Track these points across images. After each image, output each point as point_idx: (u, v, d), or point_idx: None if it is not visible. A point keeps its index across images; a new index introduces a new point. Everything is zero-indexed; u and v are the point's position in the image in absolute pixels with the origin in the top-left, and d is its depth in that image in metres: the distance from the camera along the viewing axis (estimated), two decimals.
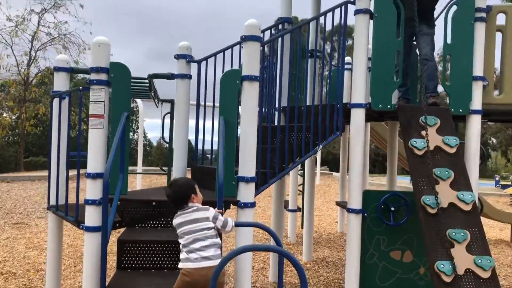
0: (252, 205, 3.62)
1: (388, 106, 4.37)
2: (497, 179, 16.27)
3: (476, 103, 4.43)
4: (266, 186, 4.00)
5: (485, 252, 3.61)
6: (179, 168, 4.42)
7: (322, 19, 4.78)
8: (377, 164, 32.33)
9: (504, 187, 15.16)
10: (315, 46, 5.11)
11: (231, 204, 3.59)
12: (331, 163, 27.78)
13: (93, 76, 3.56)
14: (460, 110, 4.42)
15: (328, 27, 4.86)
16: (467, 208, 3.79)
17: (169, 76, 4.47)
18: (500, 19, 4.68)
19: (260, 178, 3.94)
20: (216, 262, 2.68)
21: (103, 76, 3.55)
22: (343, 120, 4.55)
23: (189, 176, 4.13)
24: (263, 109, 4.95)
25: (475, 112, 4.44)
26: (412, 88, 5.03)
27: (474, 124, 4.46)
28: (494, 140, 45.07)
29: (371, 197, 4.58)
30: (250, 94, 3.65)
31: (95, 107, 3.55)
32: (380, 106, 4.36)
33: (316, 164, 19.40)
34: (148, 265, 3.57)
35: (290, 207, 7.44)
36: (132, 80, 3.90)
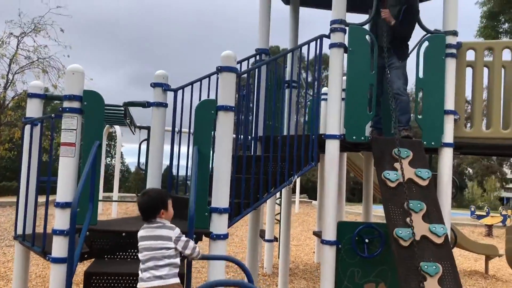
0: (225, 236, 3.58)
1: (362, 138, 4.42)
2: (472, 209, 16.46)
3: (448, 136, 4.52)
4: (240, 217, 3.96)
5: (457, 286, 3.62)
6: None
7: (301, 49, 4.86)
8: (356, 193, 32.55)
9: (479, 217, 15.34)
10: (291, 77, 5.17)
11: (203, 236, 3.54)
12: (311, 190, 27.82)
13: (66, 104, 3.52)
14: (432, 143, 4.50)
15: (308, 53, 4.92)
16: (439, 241, 3.81)
17: (145, 104, 4.46)
18: (470, 55, 4.84)
19: (234, 208, 3.91)
20: (169, 281, 2.62)
21: (76, 104, 3.51)
22: (319, 150, 4.58)
23: None
24: (240, 136, 4.95)
25: (447, 145, 4.52)
26: (385, 119, 5.10)
27: (446, 157, 4.54)
28: (471, 170, 45.98)
29: (345, 228, 4.57)
30: (225, 124, 3.66)
31: (66, 135, 3.50)
32: (354, 137, 4.41)
33: (295, 192, 19.42)
34: None
35: (266, 237, 7.37)
36: (107, 107, 3.88)
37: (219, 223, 3.57)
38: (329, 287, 4.30)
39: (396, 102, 4.66)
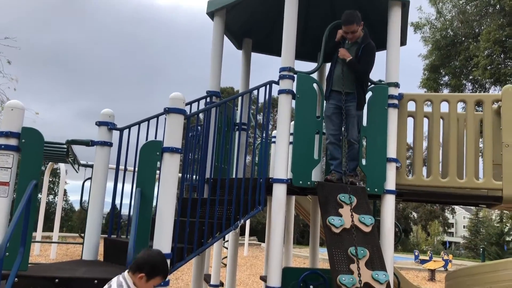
0: (166, 283, 3.43)
1: (308, 182, 4.47)
2: (416, 253, 16.90)
3: (390, 183, 4.65)
4: (183, 263, 3.83)
5: None
6: (92, 236, 4.17)
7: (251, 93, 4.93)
8: (305, 235, 32.60)
9: (423, 262, 15.75)
10: (240, 119, 5.22)
11: None
12: (260, 233, 27.63)
13: (1, 141, 3.35)
14: (376, 189, 4.62)
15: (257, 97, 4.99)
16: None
17: (89, 143, 4.33)
18: (411, 106, 5.08)
19: (177, 253, 3.78)
20: None
21: (13, 141, 3.36)
22: (266, 193, 4.58)
23: (101, 247, 3.88)
24: (186, 177, 4.88)
25: (389, 192, 4.65)
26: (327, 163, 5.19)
27: (389, 203, 4.65)
28: (415, 215, 47.48)
29: (290, 274, 4.54)
30: (170, 165, 3.59)
31: (0, 173, 3.31)
32: (300, 182, 4.46)
33: (244, 235, 19.21)
34: None
35: (212, 282, 7.16)
36: (49, 144, 3.73)
37: None
38: None
39: (349, 148, 4.78)
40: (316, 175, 5.82)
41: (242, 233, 22.63)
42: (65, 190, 31.64)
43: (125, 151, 4.48)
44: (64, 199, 32.92)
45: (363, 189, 4.55)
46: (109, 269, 3.62)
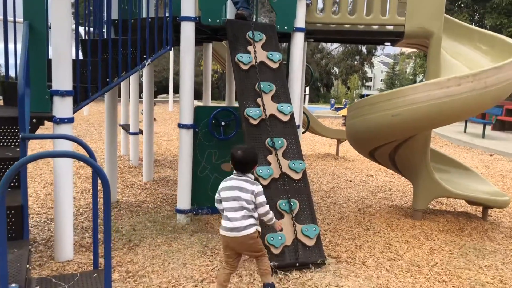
0: (70, 120, 3.40)
1: (217, 20, 4.35)
2: (332, 102, 17.97)
3: (300, 21, 4.65)
4: (88, 102, 3.76)
5: (299, 156, 3.98)
6: None
7: None
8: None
9: (338, 109, 16.82)
10: None
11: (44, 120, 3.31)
12: None
13: None
14: (285, 27, 4.61)
15: None
16: (286, 118, 4.08)
17: None
18: None
19: (81, 93, 3.69)
20: (251, 230, 2.87)
21: None
22: (173, 34, 4.43)
23: None
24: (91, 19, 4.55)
25: (299, 30, 4.66)
26: None
27: (298, 42, 4.70)
28: (337, 70, 49.26)
29: (202, 112, 4.66)
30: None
31: None
32: (209, 20, 4.32)
33: (168, 92, 19.15)
34: None
35: (131, 130, 7.26)
36: None
37: (62, 107, 3.35)
38: (186, 169, 4.45)
39: None
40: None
41: (166, 91, 22.53)
42: None
43: None
44: None
45: (272, 27, 4.53)
46: (8, 110, 3.47)
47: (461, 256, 4.08)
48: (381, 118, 4.30)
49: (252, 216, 2.90)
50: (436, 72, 4.67)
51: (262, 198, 2.91)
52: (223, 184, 2.96)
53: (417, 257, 4.01)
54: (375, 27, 4.91)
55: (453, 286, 3.47)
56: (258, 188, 2.91)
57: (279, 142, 3.90)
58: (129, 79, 7.56)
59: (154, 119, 7.80)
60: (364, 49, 44.31)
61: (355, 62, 47.16)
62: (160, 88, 26.51)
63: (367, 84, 64.63)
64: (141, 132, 7.36)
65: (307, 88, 18.93)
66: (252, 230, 2.88)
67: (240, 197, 2.87)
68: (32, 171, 6.41)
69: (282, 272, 3.45)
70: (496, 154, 10.26)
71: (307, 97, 18.86)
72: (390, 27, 4.88)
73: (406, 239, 4.43)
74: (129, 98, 7.57)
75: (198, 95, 8.15)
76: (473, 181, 5.42)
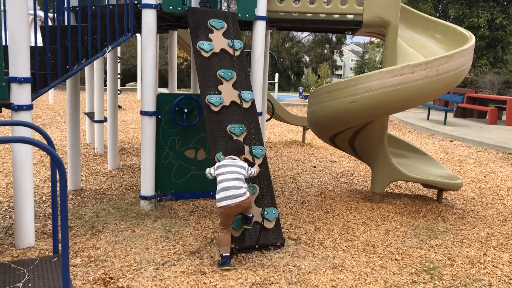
0: (28, 107, 3.39)
1: (179, 8, 4.38)
2: (300, 90, 18.13)
3: (261, 9, 4.71)
4: (47, 89, 3.75)
5: (259, 142, 4.08)
6: None
7: None
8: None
9: (306, 97, 16.99)
10: None
11: (2, 108, 3.30)
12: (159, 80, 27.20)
13: None
14: (247, 15, 4.68)
15: None
16: (247, 105, 4.16)
17: None
18: None
19: (40, 80, 3.67)
20: (248, 195, 3.46)
21: None
22: (135, 21, 4.43)
23: None
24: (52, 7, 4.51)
25: (260, 18, 4.73)
26: None
27: (259, 30, 4.77)
28: (307, 58, 49.51)
29: (165, 100, 4.70)
30: None
31: None
32: (170, 8, 4.35)
33: (137, 81, 18.90)
34: None
35: (96, 118, 7.20)
36: None
37: (20, 94, 3.34)
38: (149, 155, 4.50)
39: None
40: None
41: (135, 79, 22.23)
42: None
43: None
44: None
45: (234, 15, 4.59)
46: None
47: (414, 236, 4.29)
48: (339, 105, 4.45)
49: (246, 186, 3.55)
50: (392, 60, 4.83)
51: (251, 170, 3.64)
52: (224, 162, 3.56)
53: (372, 237, 4.20)
54: (336, 16, 5.03)
55: (404, 264, 3.66)
56: (246, 165, 3.60)
57: (240, 128, 3.99)
58: (93, 67, 7.49)
59: (119, 106, 7.73)
60: (334, 38, 44.65)
61: (325, 51, 47.51)
62: (128, 76, 26.08)
63: (337, 72, 65.30)
64: (106, 120, 7.32)
65: (276, 76, 19.04)
66: (248, 194, 3.47)
67: (239, 172, 3.49)
68: None
69: (243, 254, 3.57)
70: (456, 140, 10.65)
71: (276, 85, 18.96)
72: (351, 16, 5.02)
73: (364, 221, 4.62)
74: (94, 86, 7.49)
75: (166, 82, 8.14)
76: (429, 165, 5.66)
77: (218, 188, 3.44)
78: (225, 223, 3.45)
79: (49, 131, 9.27)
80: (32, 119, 10.88)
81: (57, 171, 2.26)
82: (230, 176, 3.44)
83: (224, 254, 3.37)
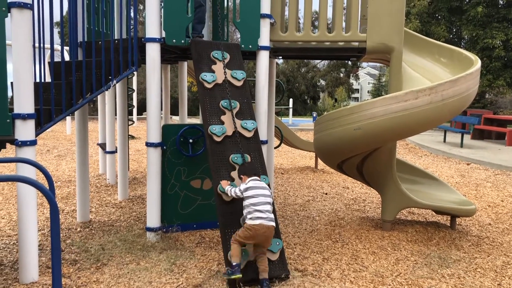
0: (32, 143, 3.45)
1: (182, 41, 4.46)
2: (314, 115, 18.11)
3: (264, 39, 4.77)
4: (52, 124, 3.82)
5: (263, 169, 4.06)
6: None
7: None
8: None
9: None
10: None
11: (6, 144, 3.37)
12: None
13: None
14: (250, 46, 4.73)
15: None
16: (249, 135, 4.17)
17: None
18: None
19: (44, 115, 3.75)
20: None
21: None
22: (139, 55, 4.52)
23: None
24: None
25: (263, 48, 4.78)
26: None
27: (263, 59, 4.82)
28: (323, 82, 49.68)
29: (170, 131, 4.73)
30: (20, 23, 3.36)
31: None
32: (174, 41, 4.43)
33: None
34: None
35: (108, 149, 7.30)
36: None
37: (24, 130, 3.41)
38: (155, 187, 4.50)
39: (196, 10, 4.87)
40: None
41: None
42: None
43: None
44: None
45: (236, 46, 4.65)
46: None
47: (425, 266, 4.16)
48: (344, 132, 4.41)
49: None
50: (397, 86, 4.80)
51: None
52: (252, 184, 3.57)
53: (382, 268, 4.08)
54: (341, 43, 5.05)
55: None
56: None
57: (243, 158, 3.98)
58: (105, 99, 7.63)
59: (131, 136, 7.84)
60: (349, 62, 44.77)
61: (341, 75, 47.64)
62: (145, 105, 26.51)
63: (354, 96, 65.15)
64: (117, 150, 7.40)
65: (291, 101, 19.13)
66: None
67: (268, 195, 3.56)
68: (8, 193, 6.41)
69: (246, 287, 3.50)
70: (472, 163, 10.44)
71: (290, 110, 19.02)
72: (355, 43, 5.02)
73: (373, 250, 4.51)
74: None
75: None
76: (441, 191, 5.53)
77: (249, 209, 3.46)
78: (244, 242, 3.47)
79: (64, 162, 9.42)
80: (49, 150, 11.05)
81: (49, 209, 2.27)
82: (264, 200, 3.50)
83: (234, 263, 3.40)
